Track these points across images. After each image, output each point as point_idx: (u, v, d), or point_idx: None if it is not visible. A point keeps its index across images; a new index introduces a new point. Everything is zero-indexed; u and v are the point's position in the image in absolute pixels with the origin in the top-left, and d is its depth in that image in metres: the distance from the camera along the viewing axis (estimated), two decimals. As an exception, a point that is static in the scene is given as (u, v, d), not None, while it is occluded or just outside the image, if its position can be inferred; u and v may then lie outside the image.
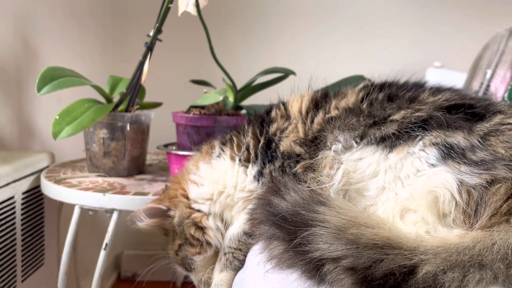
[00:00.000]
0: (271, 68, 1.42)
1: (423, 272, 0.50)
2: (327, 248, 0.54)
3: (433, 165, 0.62)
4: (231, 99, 1.33)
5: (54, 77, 1.11)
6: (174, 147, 1.30)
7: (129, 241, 2.10)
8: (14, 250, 1.16)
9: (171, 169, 1.25)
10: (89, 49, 1.87)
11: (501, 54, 1.30)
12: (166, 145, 1.34)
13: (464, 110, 0.66)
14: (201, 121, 1.21)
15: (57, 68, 1.15)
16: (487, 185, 0.57)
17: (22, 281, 1.21)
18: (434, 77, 1.59)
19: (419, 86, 0.77)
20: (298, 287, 0.56)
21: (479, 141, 0.61)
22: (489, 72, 1.31)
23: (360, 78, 1.38)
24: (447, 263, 0.50)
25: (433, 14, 1.94)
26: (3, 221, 1.11)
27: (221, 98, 1.19)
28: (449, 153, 0.61)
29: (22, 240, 1.20)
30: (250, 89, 1.39)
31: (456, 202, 0.58)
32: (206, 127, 1.22)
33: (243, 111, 1.34)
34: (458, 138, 0.62)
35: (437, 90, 0.74)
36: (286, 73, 1.39)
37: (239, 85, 1.35)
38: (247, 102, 1.39)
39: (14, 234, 1.16)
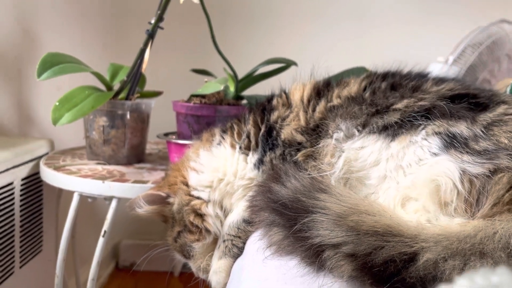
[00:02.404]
0: (273, 59, 1.42)
1: (424, 259, 0.49)
2: (327, 234, 0.54)
3: (435, 154, 0.61)
4: (232, 89, 1.33)
5: (54, 63, 1.10)
6: (174, 136, 1.30)
7: (127, 230, 2.10)
8: (13, 236, 1.16)
9: (171, 158, 1.25)
10: (90, 37, 1.86)
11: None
12: (166, 134, 1.33)
13: (468, 100, 0.66)
14: (202, 110, 1.20)
15: (57, 54, 1.14)
16: (489, 175, 0.57)
17: (20, 267, 1.21)
18: (437, 72, 1.58)
19: (422, 76, 0.77)
20: (297, 273, 0.56)
21: (482, 131, 0.61)
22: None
23: (362, 70, 1.37)
24: (448, 251, 0.50)
25: (437, 7, 1.93)
26: (2, 207, 1.11)
27: (222, 87, 1.19)
28: (452, 143, 0.61)
29: (21, 227, 1.20)
30: (251, 79, 1.38)
31: (458, 191, 0.57)
32: (207, 117, 1.21)
33: (244, 101, 1.33)
34: (461, 128, 0.62)
35: (441, 80, 0.74)
36: (287, 64, 1.39)
37: (240, 75, 1.35)
38: (248, 92, 1.38)
39: (13, 220, 1.16)
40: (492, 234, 0.51)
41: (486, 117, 0.63)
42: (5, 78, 1.36)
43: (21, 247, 1.20)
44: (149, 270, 2.05)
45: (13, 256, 1.17)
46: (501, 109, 0.64)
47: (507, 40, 1.36)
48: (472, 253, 0.50)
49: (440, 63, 1.54)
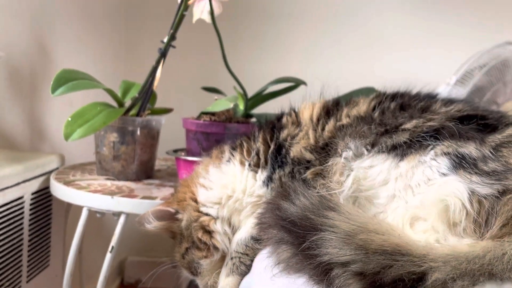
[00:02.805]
0: (282, 78, 1.43)
1: (433, 279, 0.49)
2: (336, 252, 0.54)
3: (444, 174, 0.61)
4: (241, 107, 1.34)
5: (69, 79, 1.12)
6: (183, 153, 1.31)
7: (134, 247, 2.10)
8: (21, 250, 1.17)
9: (180, 175, 1.25)
10: (103, 54, 1.89)
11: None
12: (175, 151, 1.34)
13: (477, 121, 0.66)
14: (211, 127, 1.22)
15: (71, 70, 1.17)
16: (498, 195, 0.57)
17: (27, 281, 1.21)
18: (444, 93, 1.59)
19: (431, 97, 0.78)
20: (305, 291, 0.56)
21: (491, 152, 0.61)
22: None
23: (371, 90, 1.38)
24: (456, 271, 0.50)
25: (447, 27, 1.95)
26: (12, 221, 1.12)
27: (231, 105, 1.20)
28: (461, 163, 0.61)
29: (29, 241, 1.21)
30: (261, 97, 1.40)
31: (467, 211, 0.58)
32: (216, 134, 1.22)
33: (253, 119, 1.35)
34: (470, 149, 0.62)
35: (450, 101, 0.75)
36: (297, 83, 1.40)
37: (250, 94, 1.36)
38: (257, 110, 1.40)
39: (22, 234, 1.17)
40: (501, 255, 0.51)
41: (495, 138, 0.63)
42: (20, 93, 1.39)
43: (28, 261, 1.21)
44: (154, 287, 2.04)
45: (21, 271, 1.17)
46: (510, 130, 0.64)
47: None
48: (481, 274, 0.50)
49: (448, 85, 1.55)
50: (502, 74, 1.39)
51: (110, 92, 1.27)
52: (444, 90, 1.37)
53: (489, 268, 0.50)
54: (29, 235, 1.21)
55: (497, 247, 0.53)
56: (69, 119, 1.10)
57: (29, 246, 1.21)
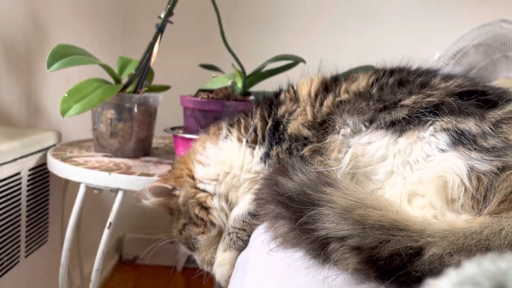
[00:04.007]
0: (281, 55, 1.42)
1: (430, 254, 0.49)
2: (333, 227, 0.54)
3: (443, 150, 0.61)
4: (239, 84, 1.33)
5: (64, 55, 1.11)
6: (180, 131, 1.30)
7: (132, 224, 2.11)
8: (19, 225, 1.17)
9: (177, 152, 1.25)
10: (99, 30, 1.87)
11: None
12: (173, 128, 1.34)
13: (477, 97, 0.65)
14: (209, 105, 1.21)
15: (67, 45, 1.15)
16: (497, 172, 0.57)
17: (26, 256, 1.22)
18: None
19: (431, 72, 0.77)
20: (302, 265, 0.56)
21: (490, 128, 0.61)
22: None
23: (370, 69, 1.37)
24: (453, 246, 0.50)
25: (444, 8, 1.93)
26: (9, 196, 1.12)
27: (229, 82, 1.19)
28: (460, 139, 0.61)
29: (27, 216, 1.21)
30: (259, 75, 1.38)
31: (465, 187, 0.57)
32: (214, 112, 1.21)
33: (251, 97, 1.34)
34: (470, 125, 0.62)
35: (449, 76, 0.74)
36: (296, 61, 1.39)
37: (248, 71, 1.35)
38: (255, 88, 1.38)
39: (19, 210, 1.17)
40: (498, 231, 0.51)
41: (495, 114, 0.63)
42: (16, 69, 1.37)
43: (27, 236, 1.21)
44: (152, 264, 2.06)
45: (19, 246, 1.18)
46: (510, 106, 0.64)
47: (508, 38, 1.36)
48: (478, 249, 0.50)
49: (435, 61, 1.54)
50: (492, 52, 1.38)
51: (107, 68, 1.26)
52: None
53: (486, 244, 0.50)
54: (27, 211, 1.21)
55: (495, 223, 0.52)
56: (66, 95, 1.09)
57: (27, 221, 1.21)
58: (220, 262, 0.79)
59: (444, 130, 0.62)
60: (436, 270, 0.48)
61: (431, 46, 1.88)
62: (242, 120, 0.86)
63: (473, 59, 1.41)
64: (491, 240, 0.51)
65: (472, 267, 0.22)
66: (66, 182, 1.35)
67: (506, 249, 0.50)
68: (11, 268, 1.15)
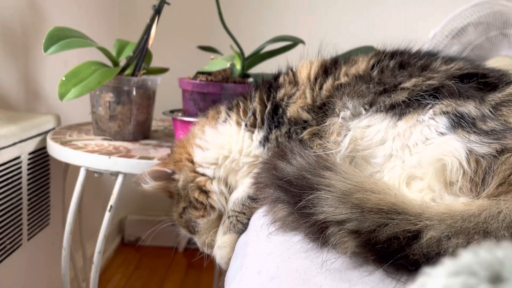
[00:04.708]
0: (280, 36, 1.40)
1: (427, 237, 0.49)
2: (331, 211, 0.54)
3: (442, 133, 0.61)
4: (238, 66, 1.32)
5: (61, 37, 1.10)
6: (180, 113, 1.30)
7: (133, 206, 2.13)
8: (21, 209, 1.18)
9: (177, 135, 1.25)
10: (96, 12, 1.84)
11: None
12: (172, 111, 1.33)
13: (477, 80, 0.65)
14: (208, 87, 1.20)
15: (64, 28, 1.14)
16: (496, 154, 0.57)
17: (28, 239, 1.23)
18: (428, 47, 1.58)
19: (431, 55, 0.76)
20: (301, 248, 0.56)
21: (490, 111, 0.60)
22: None
23: (370, 49, 1.35)
24: (451, 229, 0.50)
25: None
26: (10, 180, 1.12)
27: (228, 64, 1.18)
28: (459, 122, 0.61)
29: (28, 200, 1.22)
30: (258, 57, 1.37)
31: (464, 170, 0.57)
32: (213, 94, 1.21)
33: (250, 79, 1.33)
34: (469, 108, 0.61)
35: (450, 59, 0.73)
36: (295, 42, 1.37)
37: (247, 53, 1.34)
38: (254, 70, 1.37)
39: (20, 193, 1.18)
40: (496, 213, 0.52)
41: (495, 97, 0.62)
42: (13, 52, 1.36)
43: (28, 220, 1.22)
44: (154, 245, 2.08)
45: (21, 229, 1.19)
46: (510, 89, 0.63)
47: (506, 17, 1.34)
48: (476, 232, 0.50)
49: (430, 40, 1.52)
50: (489, 29, 1.37)
51: (104, 51, 1.24)
52: (426, 45, 1.36)
53: (484, 226, 0.50)
54: (28, 195, 1.21)
55: (493, 206, 0.53)
56: (63, 78, 1.08)
57: (28, 205, 1.22)
58: (220, 245, 0.80)
59: (444, 113, 0.62)
60: (433, 253, 0.48)
61: (435, 24, 1.86)
62: (241, 104, 0.86)
63: (468, 37, 1.39)
64: (489, 223, 0.51)
65: (468, 256, 0.22)
66: (67, 165, 1.36)
67: (504, 232, 0.50)
68: (14, 251, 1.16)
